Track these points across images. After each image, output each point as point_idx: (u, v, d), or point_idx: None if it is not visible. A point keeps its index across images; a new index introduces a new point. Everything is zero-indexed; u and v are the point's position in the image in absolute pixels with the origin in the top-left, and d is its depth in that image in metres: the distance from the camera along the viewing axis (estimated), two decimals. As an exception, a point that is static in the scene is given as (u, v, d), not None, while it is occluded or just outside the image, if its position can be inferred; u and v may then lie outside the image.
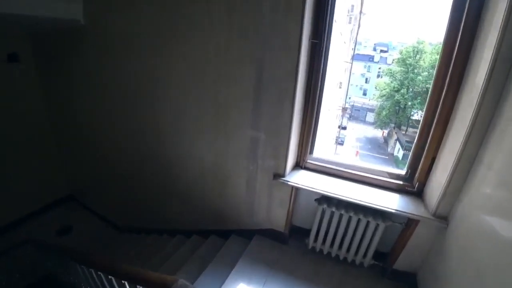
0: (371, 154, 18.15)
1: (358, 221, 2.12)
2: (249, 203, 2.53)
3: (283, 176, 2.22)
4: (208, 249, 2.76)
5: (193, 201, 2.96)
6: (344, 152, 16.86)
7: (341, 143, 16.73)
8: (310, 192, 2.15)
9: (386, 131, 20.67)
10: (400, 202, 2.01)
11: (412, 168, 2.11)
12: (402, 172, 2.20)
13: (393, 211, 1.90)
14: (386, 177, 2.22)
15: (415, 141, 2.07)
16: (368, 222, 2.08)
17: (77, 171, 4.64)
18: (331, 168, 2.32)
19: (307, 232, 2.42)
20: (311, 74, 2.08)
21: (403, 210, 1.90)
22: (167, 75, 2.51)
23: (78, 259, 1.90)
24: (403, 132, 18.66)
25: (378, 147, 20.22)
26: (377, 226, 2.07)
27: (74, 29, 3.09)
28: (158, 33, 2.39)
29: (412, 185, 2.11)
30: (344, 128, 18.08)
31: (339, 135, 15.06)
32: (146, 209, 3.74)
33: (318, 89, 2.13)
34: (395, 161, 16.37)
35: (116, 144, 3.55)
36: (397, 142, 17.66)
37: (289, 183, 2.16)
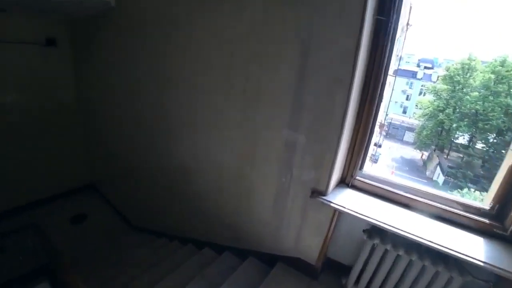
0: (408, 176, 16.77)
1: (423, 268, 1.55)
2: (275, 223, 2.04)
3: (324, 194, 1.72)
4: (219, 268, 2.32)
5: (208, 211, 2.55)
6: (378, 171, 15.67)
7: (375, 161, 15.62)
8: (358, 220, 1.61)
9: (425, 153, 19.12)
10: (486, 249, 1.42)
11: (502, 202, 1.52)
12: (484, 205, 1.61)
13: (479, 263, 1.33)
14: (460, 210, 1.64)
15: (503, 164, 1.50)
16: (437, 273, 1.51)
17: (99, 161, 4.52)
18: (387, 190, 1.78)
19: (346, 269, 1.89)
20: (373, 62, 1.58)
21: (493, 264, 1.32)
22: (190, 58, 2.17)
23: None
24: (445, 156, 17.09)
25: (415, 169, 18.69)
26: (450, 279, 1.49)
27: (105, 12, 2.96)
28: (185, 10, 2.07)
29: (503, 227, 1.51)
30: (379, 146, 16.93)
31: (374, 152, 14.04)
32: (159, 211, 3.43)
33: (381, 81, 1.62)
34: (434, 187, 14.93)
35: (133, 138, 3.31)
36: (438, 166, 16.12)
37: (331, 204, 1.65)
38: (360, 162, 1.86)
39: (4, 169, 3.85)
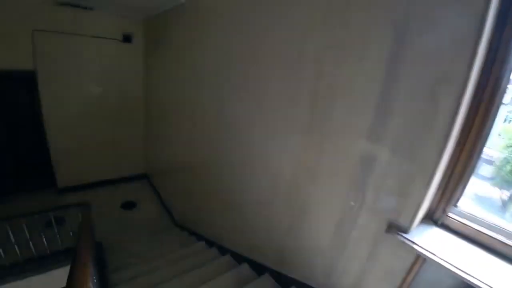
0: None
1: None
2: (331, 255, 1.63)
3: (406, 230, 1.28)
4: (257, 293, 2.01)
5: (255, 225, 2.26)
6: (477, 210, 13.46)
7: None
8: (450, 275, 1.14)
9: (507, 193, 15.98)
10: None
11: None
12: None
13: None
14: None
15: None
16: None
17: (154, 154, 4.66)
18: (496, 240, 1.26)
19: None
20: (493, 55, 1.09)
21: None
22: (255, 48, 1.95)
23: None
24: (535, 199, 13.96)
25: (492, 209, 15.75)
26: None
27: (176, 10, 2.99)
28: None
29: None
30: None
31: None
32: (204, 214, 3.28)
33: (502, 84, 1.13)
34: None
35: (190, 137, 3.24)
36: (525, 209, 13.23)
37: (415, 246, 1.21)
38: (457, 195, 1.37)
39: (80, 148, 4.29)
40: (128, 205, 4.41)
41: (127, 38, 4.15)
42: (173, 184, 4.09)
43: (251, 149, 2.14)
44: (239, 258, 2.53)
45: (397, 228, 1.30)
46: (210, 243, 3.11)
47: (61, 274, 2.86)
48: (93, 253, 2.87)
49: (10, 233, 2.67)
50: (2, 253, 2.73)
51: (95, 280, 2.16)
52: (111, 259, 3.09)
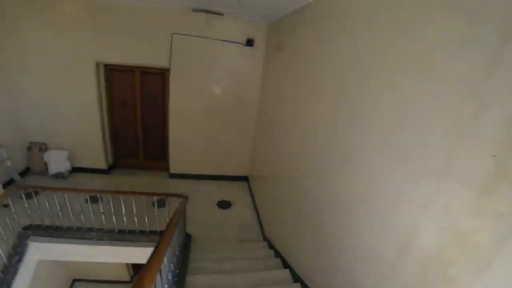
0: None
1: None
2: None
3: None
4: None
5: (343, 267, 1.65)
6: None
7: None
8: None
9: None
10: None
11: None
12: None
13: None
14: None
15: None
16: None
17: (258, 158, 4.57)
18: None
19: None
20: None
21: None
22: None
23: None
24: None
25: None
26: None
27: (301, 12, 2.68)
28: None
29: None
30: None
31: None
32: (294, 241, 2.78)
33: None
34: None
35: (295, 152, 2.83)
36: None
37: None
38: None
39: (192, 142, 4.73)
40: (224, 204, 4.46)
41: (249, 42, 4.22)
42: (268, 195, 3.81)
43: (372, 187, 1.50)
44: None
45: None
46: (286, 265, 2.72)
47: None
48: (179, 240, 2.97)
49: (122, 205, 3.10)
50: (114, 220, 3.20)
51: (172, 266, 2.33)
52: (194, 254, 3.12)
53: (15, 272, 3.03)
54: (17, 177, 4.05)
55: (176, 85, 4.33)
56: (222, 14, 4.00)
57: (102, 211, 3.18)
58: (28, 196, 3.17)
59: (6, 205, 3.59)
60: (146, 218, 3.21)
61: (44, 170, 4.49)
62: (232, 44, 4.21)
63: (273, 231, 3.50)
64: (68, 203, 3.08)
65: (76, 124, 4.43)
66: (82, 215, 3.17)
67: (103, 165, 4.80)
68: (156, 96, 4.62)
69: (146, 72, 4.44)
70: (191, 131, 4.69)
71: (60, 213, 3.15)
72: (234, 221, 4.11)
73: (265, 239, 3.73)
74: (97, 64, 4.18)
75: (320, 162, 2.13)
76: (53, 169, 4.44)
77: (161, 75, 4.45)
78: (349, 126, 1.75)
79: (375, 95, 1.51)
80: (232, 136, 4.83)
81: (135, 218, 3.18)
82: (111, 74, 4.44)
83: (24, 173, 4.47)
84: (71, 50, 3.99)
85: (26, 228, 3.21)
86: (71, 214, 3.17)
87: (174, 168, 4.95)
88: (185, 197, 3.21)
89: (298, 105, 2.72)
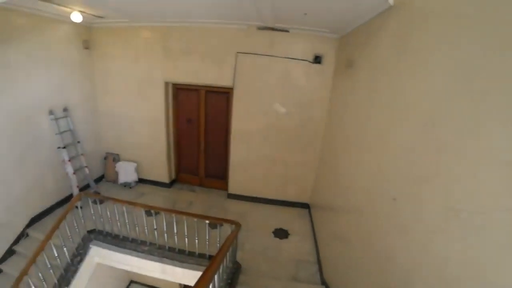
0: None
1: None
2: None
3: None
4: None
5: None
6: None
7: None
8: None
9: None
10: None
11: None
12: None
13: None
14: None
15: None
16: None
17: (322, 185, 4.05)
18: None
19: None
20: None
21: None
22: None
23: None
24: None
25: None
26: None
27: (378, 19, 2.29)
28: None
29: None
30: None
31: None
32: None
33: None
34: None
35: (367, 178, 2.37)
36: None
37: None
38: None
39: (253, 163, 4.54)
40: (280, 233, 4.04)
41: (317, 59, 3.92)
42: (332, 229, 3.25)
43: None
44: None
45: None
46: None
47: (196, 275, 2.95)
48: (228, 269, 2.75)
49: (174, 224, 3.01)
50: (165, 238, 3.13)
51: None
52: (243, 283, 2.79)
53: (75, 271, 3.18)
54: (92, 183, 4.44)
55: (239, 104, 4.27)
56: (288, 31, 3.83)
57: (155, 227, 3.15)
58: (97, 202, 3.38)
59: (80, 207, 3.92)
60: (196, 240, 3.05)
61: (115, 179, 4.85)
62: (298, 62, 3.97)
63: (333, 274, 2.90)
64: (125, 214, 3.15)
65: (145, 138, 4.74)
66: (137, 228, 3.20)
67: (165, 179, 4.96)
68: (219, 114, 4.65)
69: (211, 91, 4.52)
70: (252, 152, 4.51)
71: (118, 223, 3.24)
72: (289, 254, 3.64)
73: (323, 281, 3.15)
74: (166, 84, 4.45)
75: (405, 207, 1.58)
76: (122, 178, 4.77)
77: (225, 94, 4.47)
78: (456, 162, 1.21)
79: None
80: (295, 159, 4.46)
81: (186, 239, 3.05)
82: (178, 93, 4.66)
83: (99, 179, 4.93)
84: (144, 71, 4.38)
85: (90, 231, 3.38)
86: (127, 225, 3.23)
87: (232, 188, 4.80)
88: (238, 225, 2.97)
89: (373, 129, 2.22)
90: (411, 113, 1.61)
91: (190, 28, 4.00)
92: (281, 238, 3.96)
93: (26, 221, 3.60)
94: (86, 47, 4.26)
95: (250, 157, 4.54)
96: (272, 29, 3.80)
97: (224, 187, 4.95)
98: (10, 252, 3.40)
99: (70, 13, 3.34)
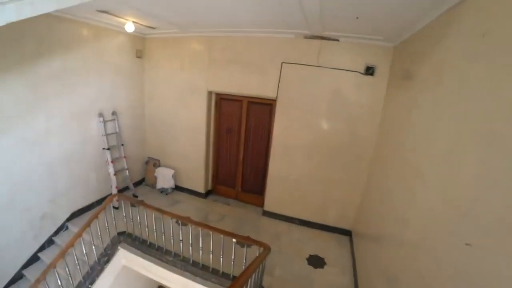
0: None
1: None
2: None
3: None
4: None
5: None
6: None
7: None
8: None
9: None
10: None
11: None
12: None
13: None
14: None
15: None
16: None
17: (369, 210, 3.52)
18: None
19: None
20: None
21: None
22: None
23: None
24: None
25: None
26: None
27: (444, 18, 1.90)
28: None
29: None
30: None
31: None
32: None
33: None
34: None
35: (423, 211, 1.92)
36: None
37: None
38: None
39: (292, 181, 4.24)
40: (315, 261, 3.58)
41: (369, 70, 3.53)
42: (377, 263, 2.73)
43: None
44: None
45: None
46: None
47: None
48: None
49: (201, 238, 2.83)
50: (190, 251, 2.95)
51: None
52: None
53: (101, 270, 3.17)
54: (131, 186, 4.56)
55: (282, 116, 4.03)
56: (338, 40, 3.54)
57: (181, 239, 3.00)
58: (128, 206, 3.40)
59: (116, 208, 4.00)
60: (221, 258, 2.82)
61: (154, 183, 4.94)
62: (348, 73, 3.62)
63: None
64: (153, 221, 3.07)
65: (185, 146, 4.77)
66: (163, 236, 3.09)
67: (201, 189, 4.89)
68: (261, 127, 4.47)
69: (254, 102, 4.39)
70: (292, 168, 4.18)
71: (147, 228, 3.17)
72: (323, 286, 3.17)
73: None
74: (209, 93, 4.45)
75: (486, 258, 1.14)
76: (160, 184, 4.82)
77: (268, 106, 4.29)
78: None
79: None
80: (339, 178, 4.00)
81: (210, 255, 2.84)
82: (221, 102, 4.63)
83: (140, 183, 5.07)
84: (188, 79, 4.46)
85: (120, 233, 3.38)
86: (155, 232, 3.14)
87: (268, 205, 4.50)
88: (267, 248, 2.66)
89: (438, 151, 1.76)
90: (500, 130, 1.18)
91: (235, 38, 3.96)
92: (315, 266, 3.50)
93: (67, 215, 3.78)
94: (139, 56, 4.52)
95: (289, 173, 4.22)
96: (321, 37, 3.55)
97: (260, 203, 4.67)
98: (49, 242, 3.56)
99: (125, 23, 3.54)
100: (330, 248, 3.86)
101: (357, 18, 2.61)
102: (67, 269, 2.79)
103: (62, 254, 2.73)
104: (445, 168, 1.58)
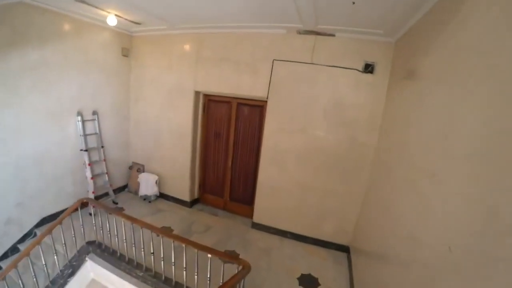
0: None
1: None
2: None
3: None
4: None
5: None
6: None
7: None
8: None
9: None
10: None
11: None
12: None
13: None
14: None
15: None
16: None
17: (367, 225, 3.13)
18: None
19: None
20: None
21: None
22: None
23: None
24: None
25: None
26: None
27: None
28: None
29: None
30: None
31: None
32: None
33: None
34: None
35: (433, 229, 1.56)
36: None
37: None
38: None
39: (283, 190, 3.86)
40: (308, 281, 3.16)
41: (368, 68, 3.23)
42: (380, 285, 2.32)
43: None
44: None
45: None
46: None
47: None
48: None
49: (173, 251, 2.46)
50: (162, 266, 2.58)
51: None
52: None
53: (63, 284, 2.80)
54: (111, 192, 4.24)
55: (272, 118, 3.72)
56: (333, 35, 3.26)
57: (152, 251, 2.64)
58: (95, 213, 3.07)
59: (94, 214, 3.67)
60: (196, 276, 2.44)
61: (137, 190, 4.61)
62: (345, 71, 3.32)
63: None
64: (123, 230, 2.73)
65: (169, 151, 4.46)
66: (134, 248, 2.74)
67: (186, 197, 4.54)
68: (251, 131, 4.15)
69: (244, 104, 4.10)
70: (284, 175, 3.82)
71: (116, 238, 2.83)
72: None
73: None
74: (196, 93, 4.18)
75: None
76: (143, 190, 4.50)
77: (259, 108, 4.00)
78: None
79: None
80: (335, 189, 3.61)
81: (184, 272, 2.47)
82: (209, 104, 4.35)
83: (122, 189, 4.74)
84: (176, 79, 4.20)
85: (89, 243, 3.05)
86: (125, 242, 2.80)
87: (258, 217, 4.12)
88: (246, 267, 2.27)
89: (442, 151, 1.42)
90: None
91: (224, 34, 3.72)
92: (308, 284, 3.09)
93: (36, 220, 3.47)
94: (125, 55, 4.31)
95: (281, 182, 3.85)
96: (315, 33, 3.28)
97: (250, 214, 4.29)
98: (14, 250, 3.23)
99: (107, 16, 3.33)
100: (325, 266, 3.44)
101: (353, 3, 2.33)
102: (20, 281, 2.45)
103: (14, 264, 2.39)
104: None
